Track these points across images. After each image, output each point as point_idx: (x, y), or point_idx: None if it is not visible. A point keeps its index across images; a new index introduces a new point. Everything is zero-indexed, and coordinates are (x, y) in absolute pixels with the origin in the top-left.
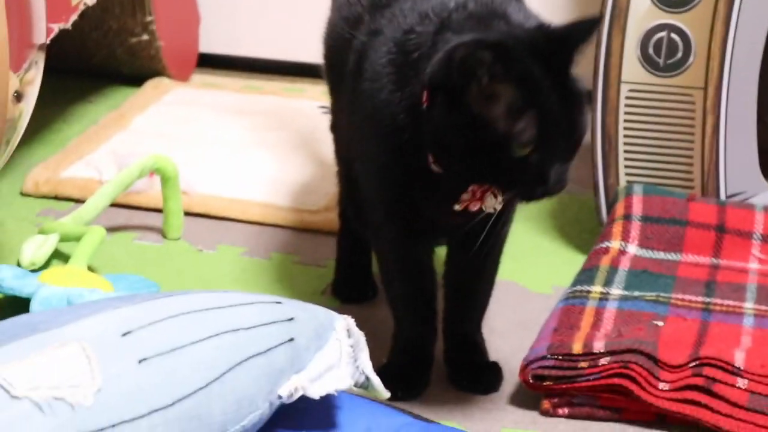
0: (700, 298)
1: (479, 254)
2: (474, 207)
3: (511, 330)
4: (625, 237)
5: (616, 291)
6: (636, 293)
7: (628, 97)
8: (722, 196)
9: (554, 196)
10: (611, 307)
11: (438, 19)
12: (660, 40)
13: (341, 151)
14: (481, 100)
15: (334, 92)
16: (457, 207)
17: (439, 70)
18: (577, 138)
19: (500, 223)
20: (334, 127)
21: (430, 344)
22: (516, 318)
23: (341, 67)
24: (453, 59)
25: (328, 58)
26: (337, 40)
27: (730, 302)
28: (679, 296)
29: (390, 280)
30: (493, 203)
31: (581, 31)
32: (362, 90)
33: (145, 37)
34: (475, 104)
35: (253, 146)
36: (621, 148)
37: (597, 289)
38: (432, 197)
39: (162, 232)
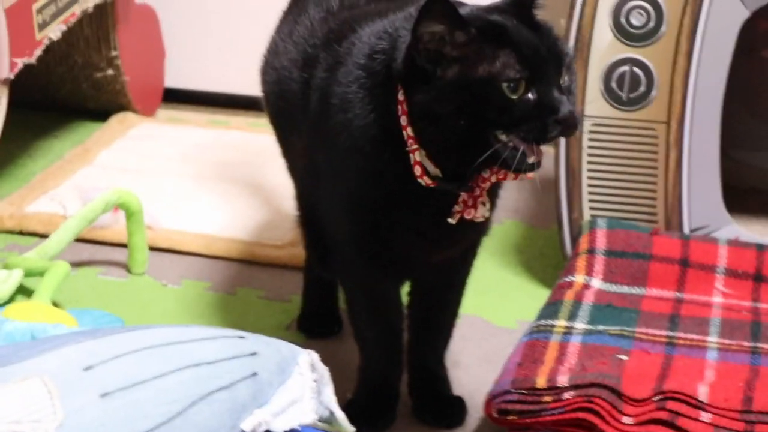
0: (663, 332)
1: (444, 286)
2: (468, 215)
3: (475, 364)
4: (590, 271)
5: (580, 325)
6: (600, 327)
7: (591, 131)
8: (686, 230)
9: (572, 133)
10: (575, 341)
11: (394, 30)
12: (623, 74)
13: (302, 195)
14: (454, 66)
15: (287, 137)
16: (451, 220)
17: (405, 63)
18: (565, 62)
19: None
20: (292, 171)
21: (396, 380)
22: (480, 352)
23: (295, 111)
24: (410, 48)
25: (276, 104)
26: (286, 85)
27: (694, 336)
28: (643, 330)
29: (359, 317)
30: (483, 211)
31: None
32: (333, 125)
33: (111, 71)
34: (451, 72)
35: (218, 181)
36: (585, 182)
37: (561, 323)
38: (422, 219)
39: (127, 267)
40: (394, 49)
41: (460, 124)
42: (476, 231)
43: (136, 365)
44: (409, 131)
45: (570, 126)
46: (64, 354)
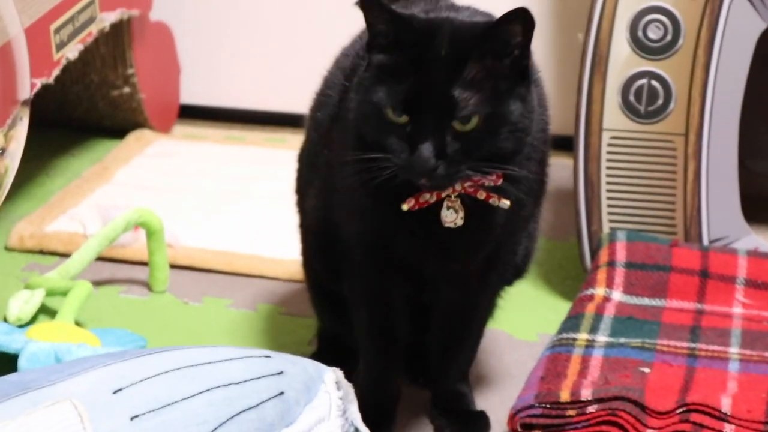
0: (685, 344)
1: (467, 305)
2: (408, 203)
3: (497, 378)
4: (610, 284)
5: (601, 338)
6: (622, 340)
7: (609, 144)
8: (705, 242)
9: (425, 184)
10: (597, 355)
11: None
12: (641, 87)
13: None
14: (378, 52)
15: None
16: (404, 207)
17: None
18: (458, 121)
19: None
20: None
21: (391, 397)
22: (502, 366)
23: (327, 120)
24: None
25: (314, 114)
26: (326, 95)
27: (716, 347)
28: (665, 342)
29: (360, 325)
30: (453, 218)
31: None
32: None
33: (127, 89)
34: (374, 57)
35: (236, 197)
36: (603, 194)
37: (583, 336)
38: (412, 221)
39: (148, 286)
40: None
41: (357, 123)
42: (477, 247)
43: (165, 387)
44: None
45: (423, 175)
46: (93, 377)
